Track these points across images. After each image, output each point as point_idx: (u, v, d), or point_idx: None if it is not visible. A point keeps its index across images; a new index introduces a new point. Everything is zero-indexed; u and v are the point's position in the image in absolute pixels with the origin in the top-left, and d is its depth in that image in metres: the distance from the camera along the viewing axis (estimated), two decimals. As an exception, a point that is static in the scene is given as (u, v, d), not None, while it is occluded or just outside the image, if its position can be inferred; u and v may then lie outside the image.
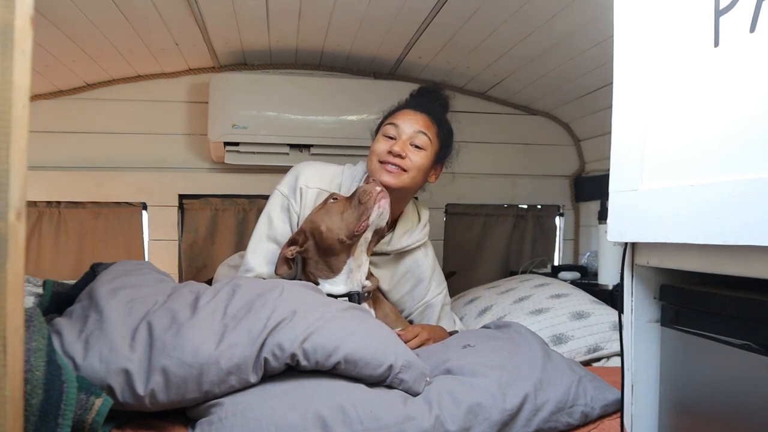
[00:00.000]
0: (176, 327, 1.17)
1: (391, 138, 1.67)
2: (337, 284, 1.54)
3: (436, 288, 1.79)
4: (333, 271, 1.54)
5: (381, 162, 1.65)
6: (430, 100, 1.80)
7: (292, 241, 1.59)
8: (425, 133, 1.67)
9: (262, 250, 1.67)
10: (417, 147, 1.66)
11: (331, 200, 1.57)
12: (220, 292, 1.30)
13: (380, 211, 1.50)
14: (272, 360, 1.14)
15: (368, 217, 1.49)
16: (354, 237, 1.51)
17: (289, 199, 1.70)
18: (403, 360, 1.21)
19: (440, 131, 1.72)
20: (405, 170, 1.64)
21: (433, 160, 1.70)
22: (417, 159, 1.65)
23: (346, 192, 1.72)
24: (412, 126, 1.67)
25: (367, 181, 1.58)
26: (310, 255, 1.56)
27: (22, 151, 0.69)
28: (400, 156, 1.63)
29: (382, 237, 1.63)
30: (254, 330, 1.16)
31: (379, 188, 1.52)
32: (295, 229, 1.65)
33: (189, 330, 1.16)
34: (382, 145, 1.66)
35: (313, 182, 1.71)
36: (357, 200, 1.51)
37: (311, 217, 1.57)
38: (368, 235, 1.54)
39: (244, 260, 1.68)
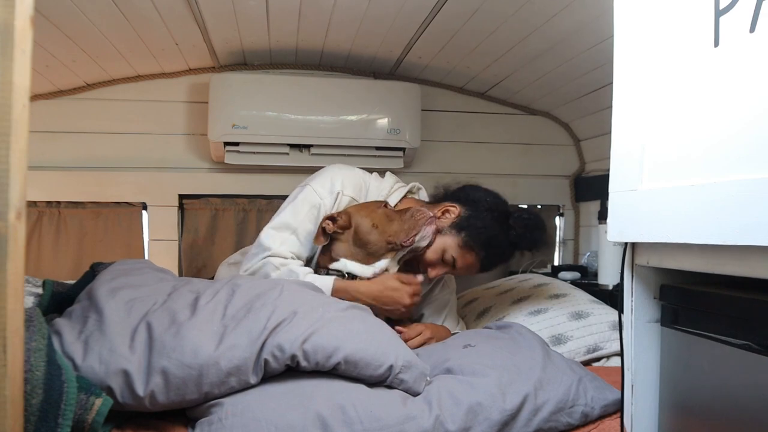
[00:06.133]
0: (176, 327, 1.17)
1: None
2: (366, 271, 1.57)
3: (449, 284, 1.84)
4: (366, 262, 1.57)
5: None
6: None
7: (332, 218, 1.59)
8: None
9: (280, 236, 1.62)
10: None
11: (383, 207, 1.61)
12: (219, 292, 1.30)
13: (426, 233, 1.56)
14: (272, 361, 1.14)
15: (416, 233, 1.55)
16: (399, 246, 1.55)
17: (322, 200, 1.65)
18: (403, 360, 1.21)
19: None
20: None
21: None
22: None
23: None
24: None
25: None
26: (343, 239, 1.58)
27: (22, 151, 0.69)
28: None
29: (414, 255, 1.64)
30: (254, 331, 1.16)
31: (431, 214, 1.58)
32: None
33: (189, 331, 1.16)
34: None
35: (348, 190, 1.70)
36: (409, 215, 1.57)
37: (362, 212, 1.59)
38: (405, 251, 1.58)
39: (258, 242, 1.62)
